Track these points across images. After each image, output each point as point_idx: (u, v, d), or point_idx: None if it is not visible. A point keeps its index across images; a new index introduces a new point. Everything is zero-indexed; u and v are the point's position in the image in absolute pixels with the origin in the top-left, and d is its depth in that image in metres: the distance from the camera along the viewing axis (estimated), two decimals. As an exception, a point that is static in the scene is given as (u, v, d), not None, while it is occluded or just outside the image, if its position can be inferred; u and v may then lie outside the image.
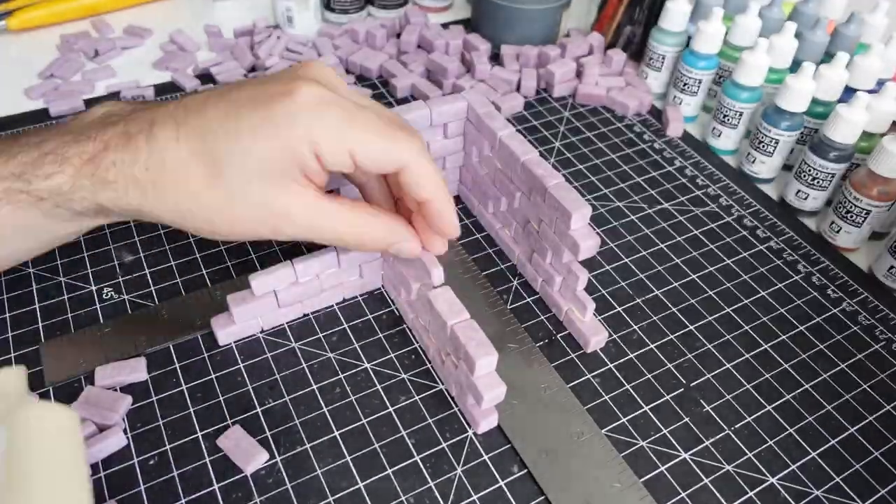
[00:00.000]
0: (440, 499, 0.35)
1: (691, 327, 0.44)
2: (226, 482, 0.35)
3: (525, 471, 0.36)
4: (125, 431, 0.36)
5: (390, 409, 0.38)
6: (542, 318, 0.44)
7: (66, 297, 0.43)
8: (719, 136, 0.58)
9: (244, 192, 0.33)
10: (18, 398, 0.26)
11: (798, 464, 0.38)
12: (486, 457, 0.37)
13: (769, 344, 0.44)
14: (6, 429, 0.23)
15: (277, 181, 0.33)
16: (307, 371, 0.40)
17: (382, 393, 0.39)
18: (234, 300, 0.39)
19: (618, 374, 0.41)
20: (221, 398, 0.38)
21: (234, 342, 0.41)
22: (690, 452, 0.38)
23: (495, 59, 0.67)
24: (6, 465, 0.22)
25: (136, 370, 0.38)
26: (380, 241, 0.36)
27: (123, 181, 0.33)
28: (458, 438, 0.37)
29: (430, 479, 0.36)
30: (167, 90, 0.60)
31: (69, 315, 0.42)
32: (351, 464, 0.36)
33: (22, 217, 0.34)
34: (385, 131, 0.33)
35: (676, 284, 0.47)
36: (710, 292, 0.47)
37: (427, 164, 0.35)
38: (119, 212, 0.35)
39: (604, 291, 0.46)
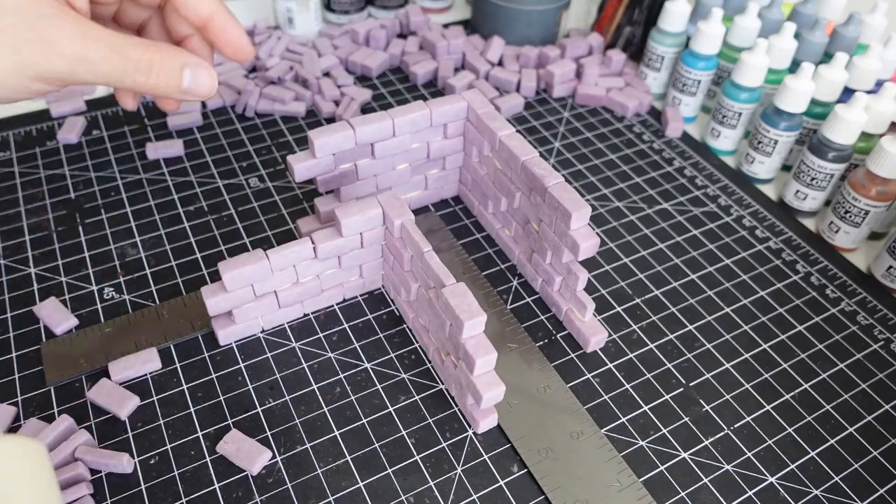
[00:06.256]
0: (440, 498, 0.35)
1: (691, 327, 0.44)
2: (226, 482, 0.35)
3: (525, 470, 0.36)
4: (126, 431, 0.37)
5: (390, 409, 0.39)
6: (542, 318, 0.44)
7: (66, 297, 0.43)
8: (718, 136, 0.58)
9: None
10: None
11: (797, 463, 0.38)
12: (485, 456, 0.37)
13: (768, 344, 0.44)
14: None
15: (35, 7, 0.28)
16: (307, 371, 0.40)
17: (382, 393, 0.39)
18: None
19: (617, 373, 0.41)
20: (222, 398, 0.38)
21: (235, 342, 0.41)
22: (690, 452, 0.38)
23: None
24: None
25: (150, 360, 0.39)
26: (168, 68, 0.31)
27: None
28: (457, 438, 0.38)
29: (430, 479, 0.36)
30: (167, 90, 0.60)
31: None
32: (351, 463, 0.36)
33: None
34: None
35: (676, 284, 0.47)
36: (710, 292, 0.47)
37: None
38: None
39: (604, 291, 0.46)
